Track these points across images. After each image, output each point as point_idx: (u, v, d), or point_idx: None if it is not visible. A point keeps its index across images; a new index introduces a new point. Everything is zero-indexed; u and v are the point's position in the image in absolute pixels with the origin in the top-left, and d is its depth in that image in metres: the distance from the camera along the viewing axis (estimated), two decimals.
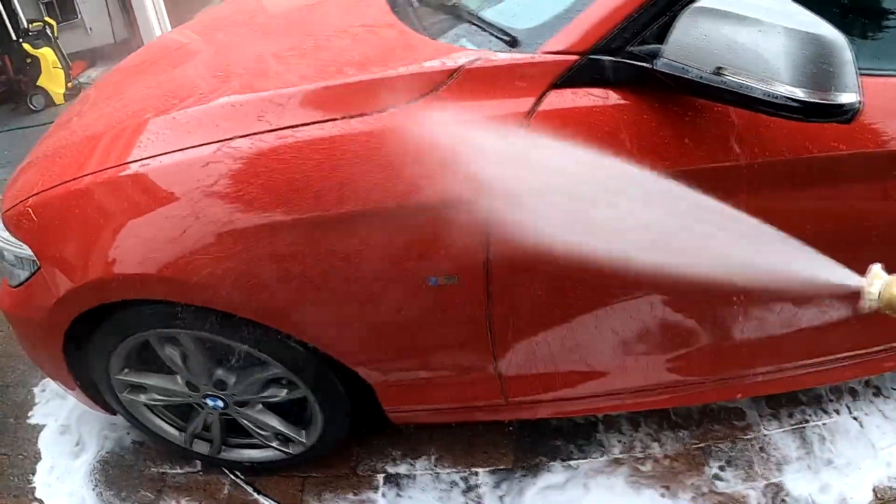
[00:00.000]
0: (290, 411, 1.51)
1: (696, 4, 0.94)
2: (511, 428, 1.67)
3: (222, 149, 1.10)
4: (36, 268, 1.26)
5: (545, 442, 1.64)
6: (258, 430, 1.51)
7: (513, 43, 1.14)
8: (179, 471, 1.69)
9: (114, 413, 1.58)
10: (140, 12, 5.21)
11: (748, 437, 1.59)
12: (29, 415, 2.00)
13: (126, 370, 1.41)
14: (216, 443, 1.55)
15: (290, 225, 1.09)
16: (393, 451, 1.65)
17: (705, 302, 1.26)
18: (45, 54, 4.67)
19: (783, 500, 1.46)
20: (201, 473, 1.67)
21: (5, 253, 1.35)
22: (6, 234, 1.31)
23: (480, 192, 1.01)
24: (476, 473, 1.59)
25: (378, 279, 1.15)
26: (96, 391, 1.50)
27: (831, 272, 1.00)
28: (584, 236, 0.99)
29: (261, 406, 1.47)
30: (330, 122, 1.08)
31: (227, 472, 1.65)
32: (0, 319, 2.43)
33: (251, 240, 1.10)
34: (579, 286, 1.19)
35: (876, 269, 0.95)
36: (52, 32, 4.83)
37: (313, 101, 1.12)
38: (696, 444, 1.59)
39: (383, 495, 1.56)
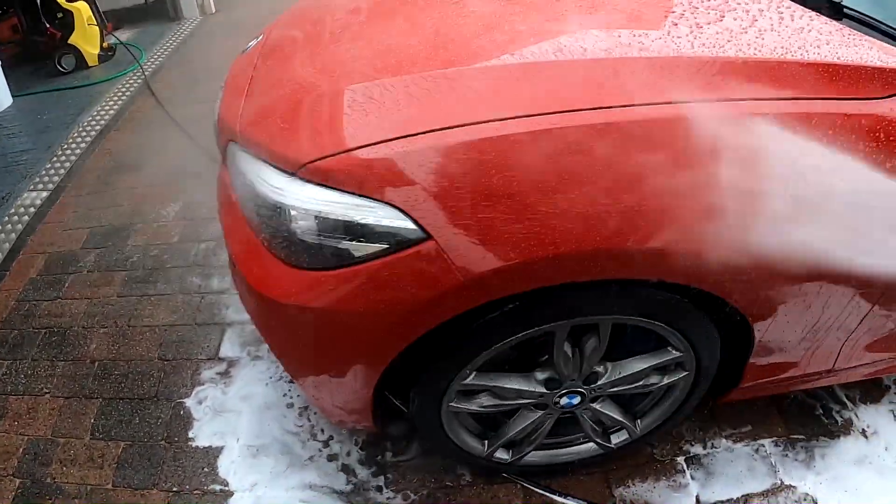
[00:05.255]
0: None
1: None
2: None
3: None
4: (411, 239, 0.94)
5: (805, 412, 1.57)
6: (592, 426, 1.33)
7: None
8: (450, 485, 1.44)
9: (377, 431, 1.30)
10: None
11: None
12: (191, 435, 1.61)
13: (474, 374, 1.16)
14: (528, 448, 1.33)
15: None
16: (683, 436, 1.52)
17: None
18: (80, 9, 4.01)
19: None
20: (483, 485, 1.44)
21: (300, 221, 1.00)
22: (331, 194, 0.97)
23: None
24: (763, 445, 1.50)
25: None
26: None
27: None
28: None
29: (608, 399, 1.29)
30: None
31: (514, 480, 1.45)
32: (106, 315, 1.91)
33: None
34: None
35: None
36: None
37: None
38: None
39: (692, 477, 1.43)
